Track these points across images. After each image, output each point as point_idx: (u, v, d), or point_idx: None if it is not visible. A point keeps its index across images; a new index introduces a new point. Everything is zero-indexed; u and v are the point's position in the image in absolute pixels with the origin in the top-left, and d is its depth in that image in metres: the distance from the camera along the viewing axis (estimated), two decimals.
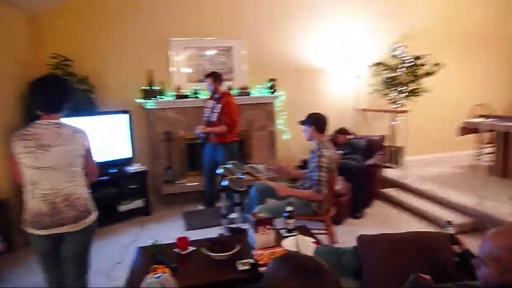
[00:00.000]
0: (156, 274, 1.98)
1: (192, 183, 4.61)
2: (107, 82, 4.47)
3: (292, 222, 2.51)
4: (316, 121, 3.00)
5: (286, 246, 2.16)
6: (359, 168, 4.08)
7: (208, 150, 4.15)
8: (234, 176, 3.20)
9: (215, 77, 3.96)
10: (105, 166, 4.06)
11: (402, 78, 4.86)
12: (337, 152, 3.06)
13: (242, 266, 2.06)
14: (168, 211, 4.40)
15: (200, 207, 4.36)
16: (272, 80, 4.86)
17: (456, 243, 1.66)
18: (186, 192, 4.58)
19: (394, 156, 4.82)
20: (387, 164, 4.83)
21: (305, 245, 1.90)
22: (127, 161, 4.27)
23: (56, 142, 1.85)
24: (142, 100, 4.49)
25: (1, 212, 3.17)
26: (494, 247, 1.11)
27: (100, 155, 3.94)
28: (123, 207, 4.12)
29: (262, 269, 2.03)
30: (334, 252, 1.71)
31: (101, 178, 3.94)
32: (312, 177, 2.89)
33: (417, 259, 1.56)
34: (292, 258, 0.97)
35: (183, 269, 2.12)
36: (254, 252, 2.22)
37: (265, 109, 4.95)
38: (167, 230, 3.82)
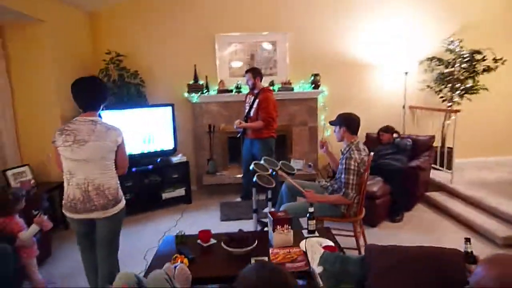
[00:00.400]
0: (176, 263, 2.12)
1: (232, 175, 4.75)
2: (156, 76, 4.75)
3: (313, 223, 2.50)
4: (347, 122, 2.92)
5: (301, 247, 2.18)
6: (401, 169, 3.89)
7: (247, 144, 4.23)
8: (264, 173, 3.27)
9: (254, 72, 4.01)
10: (150, 156, 4.37)
11: (458, 74, 4.49)
12: (370, 153, 2.95)
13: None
14: (208, 200, 4.60)
15: (238, 199, 4.48)
16: (315, 75, 4.79)
17: (475, 262, 1.56)
18: (226, 183, 4.73)
19: (443, 158, 4.50)
20: (434, 166, 4.54)
21: (315, 249, 1.90)
22: (171, 152, 4.52)
23: (91, 138, 2.05)
24: (187, 94, 4.70)
25: (59, 194, 3.57)
26: (484, 276, 1.04)
27: (146, 146, 4.29)
28: (166, 195, 4.39)
29: None
30: (340, 260, 1.69)
31: (147, 167, 4.26)
32: (341, 179, 2.83)
33: (425, 277, 1.49)
34: (263, 270, 1.01)
35: (201, 261, 2.23)
36: (271, 251, 2.26)
37: (307, 104, 4.90)
38: (205, 219, 4.01)
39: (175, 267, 2.03)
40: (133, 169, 4.12)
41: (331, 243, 2.26)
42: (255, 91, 4.07)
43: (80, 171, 2.08)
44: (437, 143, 4.58)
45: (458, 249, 1.60)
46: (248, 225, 3.42)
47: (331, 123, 3.07)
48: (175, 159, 4.49)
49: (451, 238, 3.29)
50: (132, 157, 4.16)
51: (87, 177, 2.09)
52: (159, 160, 4.42)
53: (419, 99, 4.99)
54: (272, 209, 3.30)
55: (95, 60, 4.48)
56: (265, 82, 4.70)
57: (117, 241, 2.30)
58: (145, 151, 4.32)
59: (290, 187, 3.21)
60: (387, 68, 4.94)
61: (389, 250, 1.66)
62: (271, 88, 4.32)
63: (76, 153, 2.04)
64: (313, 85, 4.81)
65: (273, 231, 2.33)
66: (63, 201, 2.15)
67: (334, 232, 3.17)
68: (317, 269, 1.71)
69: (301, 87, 4.88)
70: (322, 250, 1.85)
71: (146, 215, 4.16)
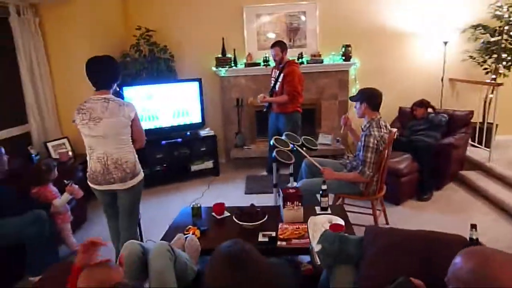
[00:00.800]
0: (188, 234, 2.24)
1: (259, 149, 4.80)
2: (185, 51, 4.81)
3: (325, 201, 2.50)
4: (369, 97, 2.81)
5: (308, 224, 2.19)
6: (430, 146, 3.72)
7: (272, 118, 4.22)
8: (284, 148, 3.27)
9: (280, 45, 3.92)
10: (179, 129, 4.52)
11: (506, 43, 4.08)
12: (393, 130, 2.84)
13: (263, 237, 2.18)
14: (235, 173, 4.71)
15: (263, 173, 4.54)
16: (346, 46, 4.59)
17: None
18: (253, 157, 4.80)
19: (482, 134, 4.20)
20: (472, 143, 4.26)
21: (316, 227, 1.91)
22: (199, 126, 4.63)
23: (104, 115, 2.16)
24: (215, 68, 4.73)
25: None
26: (461, 267, 1.00)
27: (175, 120, 4.43)
28: (194, 167, 4.55)
29: (282, 243, 2.12)
30: (339, 240, 1.68)
31: (176, 140, 4.41)
32: (359, 157, 2.77)
33: (417, 261, 1.46)
34: (223, 251, 1.06)
35: (212, 233, 2.33)
36: (280, 226, 2.31)
37: (338, 77, 4.74)
38: (230, 192, 4.14)
39: (186, 237, 2.15)
40: (163, 142, 4.30)
41: (341, 222, 2.26)
42: (281, 65, 4.00)
43: (99, 146, 2.22)
44: (477, 118, 4.28)
45: (462, 235, 1.54)
46: (271, 199, 3.48)
47: (352, 98, 2.97)
48: (203, 132, 4.60)
49: (480, 220, 3.13)
50: (162, 130, 4.38)
51: (106, 152, 2.22)
52: (188, 133, 4.56)
53: (459, 71, 4.64)
54: (295, 184, 3.33)
55: (127, 36, 4.61)
56: (293, 54, 4.62)
57: (136, 211, 2.47)
58: (175, 125, 4.47)
59: (309, 165, 3.20)
60: (424, 37, 4.61)
61: (385, 232, 1.63)
62: (297, 61, 4.21)
63: (93, 130, 2.17)
64: (344, 57, 4.63)
65: (283, 207, 2.36)
66: (87, 173, 2.32)
67: (354, 209, 3.18)
68: (316, 247, 1.72)
69: (331, 59, 4.71)
70: (324, 229, 1.85)
71: (175, 186, 4.37)
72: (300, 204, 2.37)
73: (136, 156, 2.38)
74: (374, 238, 1.62)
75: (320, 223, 1.96)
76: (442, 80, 4.65)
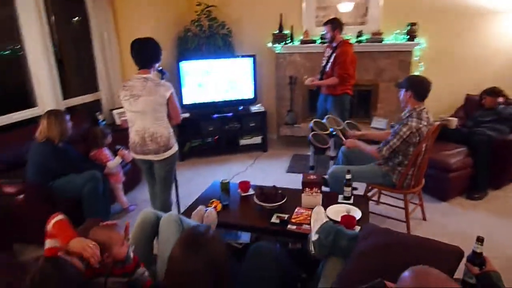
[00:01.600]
0: (209, 207, 2.43)
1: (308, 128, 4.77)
2: (243, 26, 4.88)
3: (349, 190, 2.48)
4: (417, 86, 2.62)
5: (312, 212, 2.22)
6: (491, 140, 3.36)
7: (321, 99, 4.16)
8: (322, 132, 3.26)
9: (333, 24, 3.78)
10: (231, 104, 4.70)
11: None
12: (435, 123, 2.64)
13: (275, 219, 2.27)
14: (282, 151, 4.79)
15: (310, 153, 4.54)
16: (412, 24, 4.22)
17: (481, 264, 1.42)
18: (302, 136, 4.80)
19: None
20: None
21: (318, 217, 1.94)
22: (251, 101, 4.76)
23: (143, 93, 2.39)
24: (271, 44, 4.74)
25: None
26: (404, 281, 0.99)
27: (228, 94, 4.61)
28: (243, 141, 4.74)
29: (292, 227, 2.20)
30: (335, 232, 1.70)
31: (227, 114, 4.61)
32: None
33: (401, 266, 1.43)
34: (186, 232, 1.18)
35: (233, 208, 2.49)
36: (296, 210, 2.37)
37: (399, 58, 4.42)
38: (273, 168, 4.26)
39: (206, 210, 2.34)
40: (215, 116, 4.54)
41: (358, 214, 2.24)
42: (334, 44, 3.87)
43: (138, 120, 2.48)
44: None
45: (459, 248, 1.46)
46: None
47: (398, 85, 2.80)
48: (254, 108, 4.72)
49: None
50: (215, 104, 4.60)
51: (143, 126, 2.47)
52: (240, 108, 4.72)
53: None
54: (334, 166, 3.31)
55: (189, 11, 4.82)
56: (353, 32, 4.42)
57: (170, 179, 2.72)
58: (227, 99, 4.65)
59: (345, 153, 3.14)
60: (504, 17, 4.02)
61: (380, 231, 1.60)
62: (350, 41, 4.02)
63: (133, 105, 2.42)
64: (408, 36, 4.28)
65: (302, 191, 2.41)
66: (129, 143, 2.62)
67: (390, 202, 3.08)
68: (313, 236, 1.78)
69: (394, 37, 4.39)
70: (325, 220, 1.88)
71: (223, 158, 4.61)
72: (319, 191, 2.39)
73: (171, 131, 2.60)
74: (368, 235, 1.61)
75: (323, 213, 1.99)
76: None
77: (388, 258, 1.47)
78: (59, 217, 1.51)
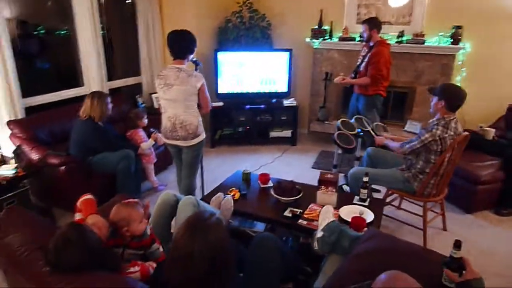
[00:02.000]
0: (228, 194, 2.57)
1: None
2: (283, 20, 4.92)
3: (365, 192, 2.51)
4: (450, 96, 2.52)
5: (321, 210, 2.27)
6: None
7: (353, 98, 4.14)
8: (348, 132, 3.28)
9: (371, 23, 3.73)
10: (265, 96, 4.79)
11: None
12: (464, 133, 2.58)
13: (288, 212, 2.37)
14: (311, 146, 4.84)
15: (339, 151, 4.54)
16: (457, 27, 4.06)
17: (461, 269, 1.39)
18: (331, 133, 4.80)
19: None
20: None
21: (325, 216, 2.00)
22: (284, 95, 4.82)
23: (176, 82, 2.55)
24: (309, 39, 4.75)
25: None
26: (377, 283, 1.06)
27: (261, 87, 4.71)
28: (273, 133, 4.83)
29: (303, 221, 2.28)
30: (338, 232, 1.76)
31: (260, 106, 4.72)
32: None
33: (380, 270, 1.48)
34: (191, 216, 1.31)
35: (249, 198, 2.61)
36: (311, 206, 2.45)
37: (441, 61, 4.27)
38: (299, 163, 4.33)
39: (225, 197, 2.49)
40: (247, 106, 4.66)
41: (370, 217, 2.27)
42: (370, 44, 3.83)
43: (170, 108, 2.65)
44: None
45: (443, 255, 1.48)
46: None
47: (432, 91, 2.72)
48: (287, 102, 4.78)
49: None
50: (248, 95, 4.72)
51: (174, 113, 2.64)
52: (273, 101, 4.81)
53: None
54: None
55: (231, 2, 4.92)
56: (395, 31, 4.32)
57: (196, 166, 2.89)
58: (261, 91, 4.75)
59: (371, 155, 3.15)
60: None
61: (383, 236, 1.65)
62: (389, 41, 3.94)
63: (166, 94, 2.59)
64: (452, 39, 4.12)
65: (318, 189, 2.48)
66: (161, 128, 2.81)
67: (410, 208, 3.06)
68: (319, 233, 1.86)
69: (437, 40, 4.24)
70: (333, 219, 1.95)
71: (253, 148, 4.74)
72: (334, 190, 2.45)
73: (200, 119, 2.75)
74: (370, 238, 1.67)
75: (331, 213, 2.05)
76: None
77: (378, 262, 1.52)
78: (87, 196, 1.76)
